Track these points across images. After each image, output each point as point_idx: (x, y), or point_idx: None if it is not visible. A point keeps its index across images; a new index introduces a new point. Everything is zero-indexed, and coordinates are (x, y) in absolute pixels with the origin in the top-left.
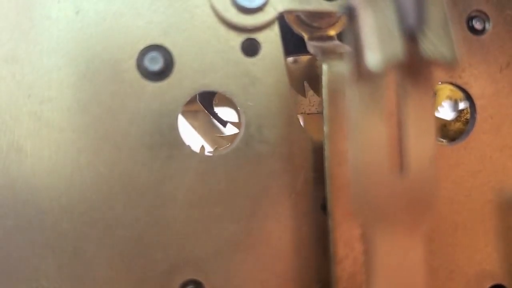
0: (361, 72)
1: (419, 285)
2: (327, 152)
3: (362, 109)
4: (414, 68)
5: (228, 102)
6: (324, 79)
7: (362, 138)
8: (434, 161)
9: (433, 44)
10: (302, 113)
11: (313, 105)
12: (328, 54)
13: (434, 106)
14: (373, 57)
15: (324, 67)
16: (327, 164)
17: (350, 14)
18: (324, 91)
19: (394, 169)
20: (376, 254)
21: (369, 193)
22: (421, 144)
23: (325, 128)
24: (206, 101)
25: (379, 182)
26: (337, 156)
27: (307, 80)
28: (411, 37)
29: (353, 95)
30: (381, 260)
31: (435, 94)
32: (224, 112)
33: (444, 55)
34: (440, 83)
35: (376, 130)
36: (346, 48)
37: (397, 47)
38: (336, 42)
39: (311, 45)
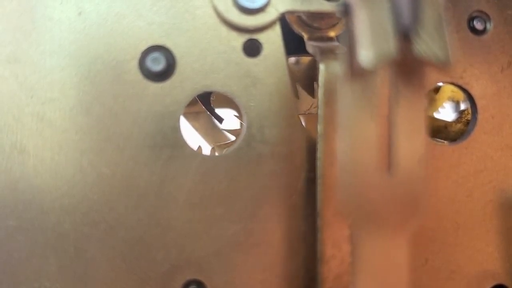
0: (354, 69)
1: (403, 287)
2: (319, 152)
3: (353, 107)
4: (407, 67)
5: (229, 102)
6: (321, 79)
7: (352, 136)
8: (424, 161)
9: (426, 44)
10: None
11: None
12: (326, 54)
13: (426, 106)
14: (366, 55)
15: (321, 67)
16: (319, 164)
17: (346, 11)
18: (320, 91)
19: (382, 169)
20: (362, 254)
21: (357, 192)
22: (411, 144)
23: (319, 128)
24: (204, 97)
25: (367, 181)
26: (330, 156)
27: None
28: (405, 36)
29: (345, 93)
30: (367, 261)
31: (431, 94)
32: (223, 113)
33: (437, 55)
34: (441, 83)
35: (366, 128)
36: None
37: (390, 45)
38: (335, 43)
39: (310, 45)
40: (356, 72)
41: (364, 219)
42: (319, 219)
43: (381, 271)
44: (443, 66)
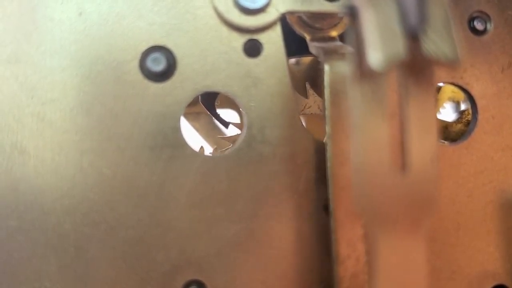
0: (363, 71)
1: (421, 285)
2: (329, 152)
3: (364, 108)
4: (416, 67)
5: (230, 103)
6: (326, 79)
7: (364, 138)
8: (436, 160)
9: (434, 43)
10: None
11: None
12: (330, 54)
13: (436, 105)
14: (375, 56)
15: (326, 67)
16: (329, 164)
17: (352, 13)
18: (326, 91)
19: (396, 169)
20: (378, 254)
21: (371, 193)
22: (423, 144)
23: (327, 129)
24: (208, 102)
25: (381, 181)
26: (339, 156)
27: (309, 81)
28: (413, 36)
29: (355, 95)
30: (383, 260)
31: (437, 94)
32: (226, 114)
33: (446, 54)
34: (442, 83)
35: (378, 129)
36: (348, 48)
37: (399, 46)
38: (338, 43)
39: (313, 46)
40: (365, 73)
41: (379, 219)
42: (332, 219)
43: (397, 270)
44: (452, 64)
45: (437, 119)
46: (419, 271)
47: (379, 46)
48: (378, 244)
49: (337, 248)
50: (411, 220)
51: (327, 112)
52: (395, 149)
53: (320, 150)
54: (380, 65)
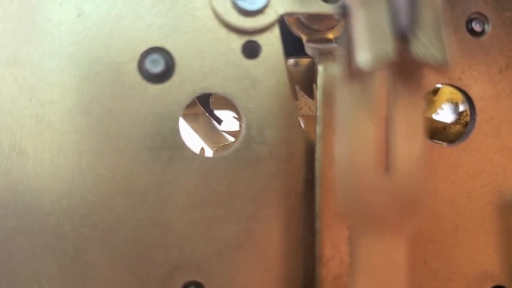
0: (352, 70)
1: (400, 287)
2: (318, 153)
3: (351, 108)
4: (405, 69)
5: (227, 104)
6: (319, 80)
7: (350, 137)
8: (421, 162)
9: (424, 45)
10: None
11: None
12: (325, 56)
13: (424, 107)
14: (363, 56)
15: (320, 68)
16: (317, 165)
17: (344, 12)
18: (319, 92)
19: (381, 170)
20: (360, 255)
21: (355, 193)
22: (409, 145)
23: (318, 129)
24: (203, 99)
25: (365, 182)
26: (329, 158)
27: (307, 82)
28: (402, 37)
29: (343, 94)
30: (365, 262)
31: (430, 95)
32: (223, 115)
33: (435, 57)
34: (440, 85)
35: (364, 129)
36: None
37: (388, 46)
38: (334, 45)
39: (308, 47)
40: (354, 73)
41: (363, 220)
42: (317, 220)
43: (380, 272)
44: (441, 67)
45: (425, 121)
46: (399, 273)
47: (368, 46)
48: (360, 245)
49: (321, 249)
50: (395, 222)
51: (318, 113)
52: (380, 150)
53: None
54: (368, 65)
